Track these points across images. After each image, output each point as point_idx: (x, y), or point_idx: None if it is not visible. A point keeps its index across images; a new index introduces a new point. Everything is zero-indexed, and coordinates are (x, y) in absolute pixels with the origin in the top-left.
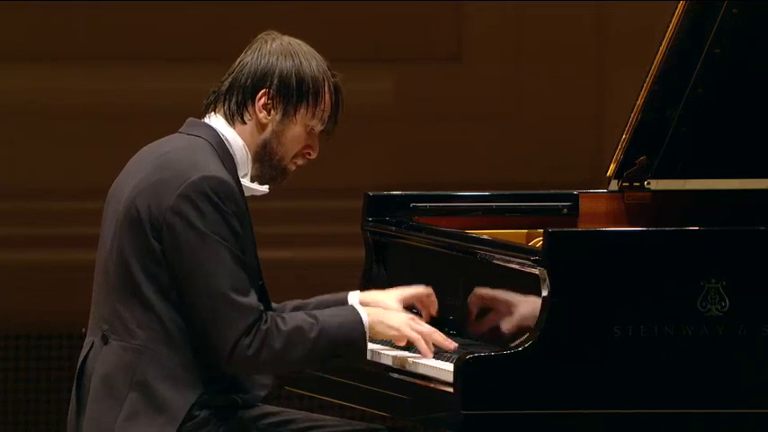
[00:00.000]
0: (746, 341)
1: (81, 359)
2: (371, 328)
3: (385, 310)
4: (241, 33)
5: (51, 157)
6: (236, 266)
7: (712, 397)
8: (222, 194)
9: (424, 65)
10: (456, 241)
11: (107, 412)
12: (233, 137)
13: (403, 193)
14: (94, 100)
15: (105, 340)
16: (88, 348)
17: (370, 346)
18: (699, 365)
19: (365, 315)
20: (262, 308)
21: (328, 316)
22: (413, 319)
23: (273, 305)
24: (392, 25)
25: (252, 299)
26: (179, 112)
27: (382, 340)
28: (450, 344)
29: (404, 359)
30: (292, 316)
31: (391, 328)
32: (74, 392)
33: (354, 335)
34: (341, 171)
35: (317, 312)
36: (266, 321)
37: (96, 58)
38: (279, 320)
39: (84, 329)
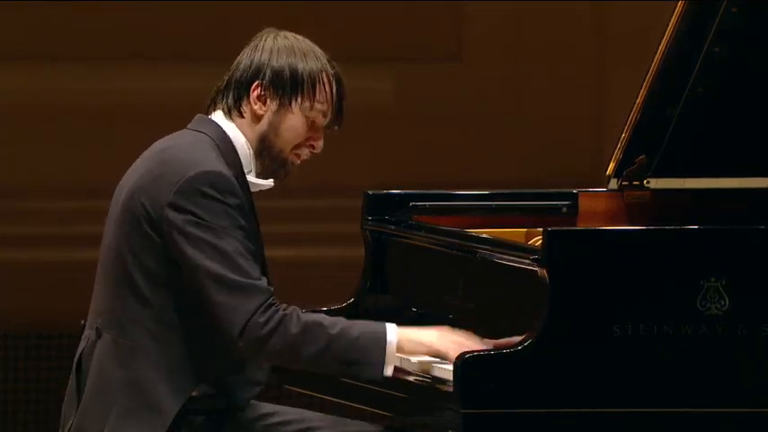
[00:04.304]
0: (746, 340)
1: (78, 353)
2: (400, 346)
3: (411, 329)
4: (241, 33)
5: (51, 156)
6: (241, 252)
7: (712, 396)
8: (221, 188)
9: (424, 65)
10: (456, 240)
11: (100, 410)
12: (235, 133)
13: (402, 191)
14: (94, 100)
15: (99, 334)
16: (85, 343)
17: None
18: (698, 364)
19: (392, 331)
20: (272, 290)
21: (354, 323)
22: (443, 330)
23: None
24: (392, 25)
25: (262, 282)
26: (180, 112)
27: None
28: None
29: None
30: (316, 313)
31: (421, 344)
32: (73, 385)
33: (374, 345)
34: (341, 170)
35: (343, 318)
36: (286, 308)
37: (96, 58)
38: (300, 312)
39: (83, 321)
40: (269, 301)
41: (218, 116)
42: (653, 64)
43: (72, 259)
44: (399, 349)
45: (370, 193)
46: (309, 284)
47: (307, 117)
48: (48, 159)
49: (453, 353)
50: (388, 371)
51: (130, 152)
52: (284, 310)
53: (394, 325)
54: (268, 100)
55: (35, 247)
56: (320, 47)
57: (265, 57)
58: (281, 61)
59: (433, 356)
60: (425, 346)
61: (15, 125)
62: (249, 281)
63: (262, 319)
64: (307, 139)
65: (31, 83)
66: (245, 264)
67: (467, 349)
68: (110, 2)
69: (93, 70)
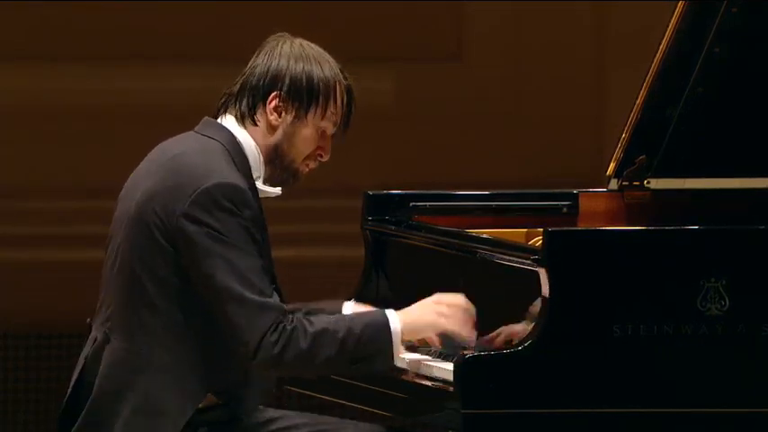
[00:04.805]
0: (746, 340)
1: (84, 354)
2: (404, 333)
3: (410, 310)
4: (241, 33)
5: (51, 156)
6: (255, 269)
7: (712, 396)
8: (236, 201)
9: (424, 65)
10: (456, 240)
11: (107, 415)
12: (245, 139)
13: (402, 192)
14: (94, 100)
15: (107, 339)
16: (91, 345)
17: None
18: (698, 364)
19: (395, 320)
20: (284, 307)
21: (356, 319)
22: (438, 302)
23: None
24: (392, 25)
25: (274, 298)
26: (180, 112)
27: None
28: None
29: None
30: (319, 318)
31: (427, 326)
32: (74, 385)
33: (380, 338)
34: (341, 171)
35: (345, 315)
36: (292, 321)
37: (96, 58)
38: (305, 322)
39: (89, 320)
40: (279, 318)
41: (229, 122)
42: (653, 64)
43: (72, 259)
44: (403, 336)
45: (370, 193)
46: (309, 284)
47: (318, 127)
48: (48, 159)
49: (465, 331)
50: (396, 359)
51: (130, 152)
52: (291, 323)
53: (393, 312)
54: (284, 112)
55: (35, 247)
56: (320, 47)
57: (283, 63)
58: (297, 69)
59: (440, 335)
60: (430, 327)
61: (15, 125)
62: (262, 299)
63: (273, 338)
64: (316, 149)
65: (31, 83)
66: (258, 281)
67: (465, 323)
68: (110, 2)
69: (93, 70)
